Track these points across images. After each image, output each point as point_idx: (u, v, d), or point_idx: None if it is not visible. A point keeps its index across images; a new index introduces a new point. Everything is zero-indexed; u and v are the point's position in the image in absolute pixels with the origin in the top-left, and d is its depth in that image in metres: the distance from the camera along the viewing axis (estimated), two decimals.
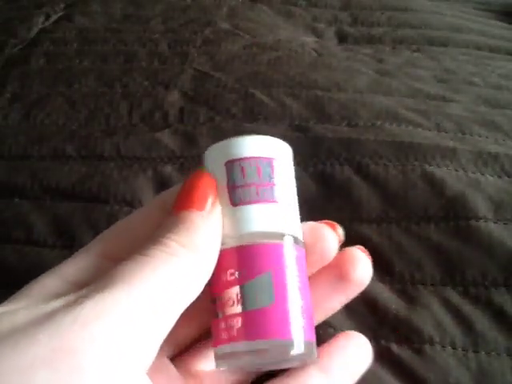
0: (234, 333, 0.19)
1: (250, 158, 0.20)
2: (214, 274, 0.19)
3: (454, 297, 0.25)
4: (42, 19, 0.50)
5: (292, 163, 0.22)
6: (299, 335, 0.19)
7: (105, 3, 0.53)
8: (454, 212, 0.27)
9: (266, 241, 0.20)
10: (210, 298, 0.20)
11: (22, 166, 0.32)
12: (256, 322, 0.19)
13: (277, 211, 0.20)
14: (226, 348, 0.19)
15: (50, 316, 0.16)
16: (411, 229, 0.27)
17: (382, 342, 0.24)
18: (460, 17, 0.52)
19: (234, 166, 0.20)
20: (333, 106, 0.35)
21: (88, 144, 0.33)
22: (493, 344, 0.23)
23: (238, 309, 0.19)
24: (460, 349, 0.23)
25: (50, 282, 0.18)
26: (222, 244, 0.20)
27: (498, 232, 0.26)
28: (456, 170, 0.29)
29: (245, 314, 0.19)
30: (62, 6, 0.53)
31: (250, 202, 0.20)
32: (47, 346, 0.15)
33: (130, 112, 0.36)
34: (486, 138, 0.32)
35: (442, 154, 0.30)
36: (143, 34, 0.47)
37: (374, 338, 0.24)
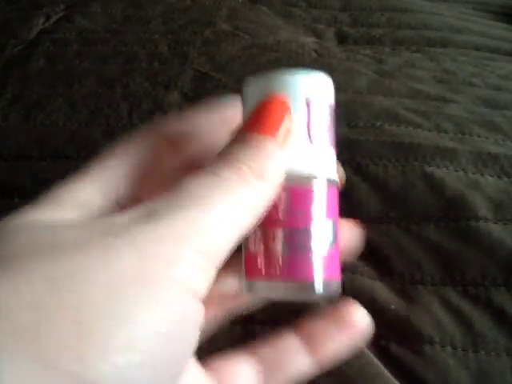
0: (276, 271, 0.19)
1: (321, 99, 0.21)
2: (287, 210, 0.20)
3: (454, 297, 0.25)
4: (42, 20, 0.51)
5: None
6: (335, 276, 0.20)
7: (105, 4, 0.53)
8: (453, 212, 0.27)
9: (320, 185, 0.20)
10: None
11: (22, 166, 0.32)
12: (297, 265, 0.19)
13: (329, 156, 0.21)
14: (261, 284, 0.20)
15: (126, 229, 0.15)
16: (411, 229, 0.27)
17: (382, 342, 0.24)
18: (460, 18, 0.52)
19: (309, 106, 0.20)
20: None
21: (88, 145, 0.33)
22: (493, 344, 0.23)
23: (282, 249, 0.19)
24: (460, 349, 0.23)
25: (82, 189, 0.19)
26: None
27: (497, 232, 0.26)
28: (456, 171, 0.29)
29: (288, 255, 0.19)
30: (62, 6, 0.53)
31: (324, 144, 0.20)
32: (134, 263, 0.14)
33: (130, 113, 0.36)
34: (486, 138, 0.32)
35: (442, 155, 0.30)
36: (143, 35, 0.47)
37: (374, 338, 0.24)
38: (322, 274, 0.20)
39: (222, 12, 0.51)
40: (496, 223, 0.27)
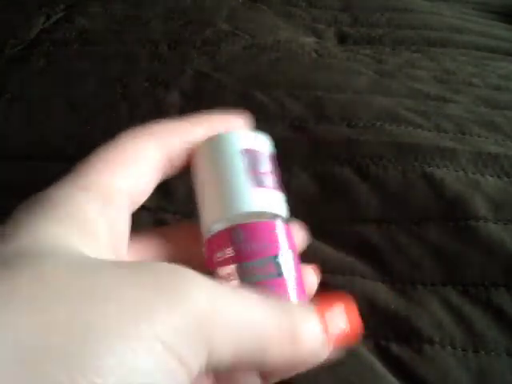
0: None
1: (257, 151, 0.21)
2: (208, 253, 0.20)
3: (454, 297, 0.25)
4: (42, 20, 0.51)
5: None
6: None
7: (105, 4, 0.53)
8: (453, 212, 0.27)
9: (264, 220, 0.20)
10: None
11: (22, 166, 0.32)
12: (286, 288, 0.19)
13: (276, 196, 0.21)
14: None
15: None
16: (411, 229, 0.27)
17: (382, 341, 0.24)
18: (460, 18, 0.52)
19: (250, 156, 0.20)
20: (333, 106, 0.35)
21: (88, 145, 0.33)
22: (493, 344, 0.23)
23: (279, 275, 0.19)
24: (460, 349, 0.23)
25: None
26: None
27: (497, 232, 0.26)
28: (456, 171, 0.29)
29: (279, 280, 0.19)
30: (63, 6, 0.53)
31: (266, 187, 0.20)
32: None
33: (130, 113, 0.36)
34: (486, 138, 0.32)
35: (442, 155, 0.30)
36: (143, 35, 0.47)
37: (374, 338, 0.24)
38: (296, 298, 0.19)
39: (222, 12, 0.51)
40: (496, 223, 0.27)
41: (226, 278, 0.19)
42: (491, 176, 0.29)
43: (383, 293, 0.25)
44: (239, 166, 0.20)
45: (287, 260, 0.19)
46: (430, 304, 0.25)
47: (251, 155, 0.20)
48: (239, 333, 0.15)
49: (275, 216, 0.20)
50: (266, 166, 0.21)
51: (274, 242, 0.19)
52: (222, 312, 0.15)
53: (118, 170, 0.19)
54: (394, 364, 0.23)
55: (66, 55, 0.44)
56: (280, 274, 0.19)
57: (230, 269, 0.19)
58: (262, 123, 0.34)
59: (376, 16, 0.51)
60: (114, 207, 0.18)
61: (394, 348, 0.24)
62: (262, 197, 0.20)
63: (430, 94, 0.37)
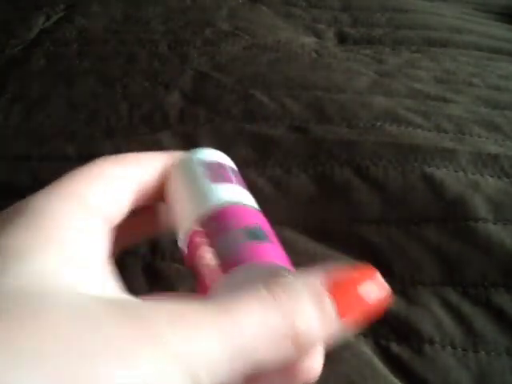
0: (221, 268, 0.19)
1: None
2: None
3: (454, 297, 0.25)
4: (42, 20, 0.51)
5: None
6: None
7: (105, 4, 0.53)
8: (453, 213, 0.27)
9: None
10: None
11: (22, 166, 0.32)
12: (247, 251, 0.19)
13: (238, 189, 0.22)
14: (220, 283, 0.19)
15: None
16: (411, 230, 0.27)
17: (382, 341, 0.24)
18: (460, 18, 0.52)
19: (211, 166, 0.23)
20: (332, 106, 0.35)
21: (88, 145, 0.33)
22: (493, 344, 0.23)
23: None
24: (460, 349, 0.23)
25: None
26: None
27: (497, 233, 0.26)
28: (456, 171, 0.29)
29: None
30: (63, 6, 0.53)
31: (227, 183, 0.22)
32: None
33: (130, 113, 0.36)
34: (486, 138, 0.32)
35: (442, 155, 0.30)
36: (143, 35, 0.47)
37: (374, 338, 0.24)
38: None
39: (222, 12, 0.51)
40: (496, 224, 0.27)
41: (206, 266, 0.19)
42: (491, 176, 0.29)
43: None
44: (202, 173, 0.22)
45: (258, 230, 0.20)
46: (430, 304, 0.25)
47: (212, 165, 0.23)
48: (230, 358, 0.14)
49: (239, 203, 0.21)
50: (227, 173, 0.23)
51: (241, 218, 0.20)
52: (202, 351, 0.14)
53: (95, 184, 0.20)
54: (394, 364, 0.23)
55: (66, 55, 0.44)
56: (254, 238, 0.19)
57: (208, 251, 0.19)
58: (262, 123, 0.35)
59: (376, 16, 0.51)
60: (96, 220, 0.19)
61: (394, 348, 0.24)
62: (224, 191, 0.21)
63: (430, 94, 0.37)
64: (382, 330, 0.24)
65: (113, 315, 0.14)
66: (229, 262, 0.19)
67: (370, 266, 0.18)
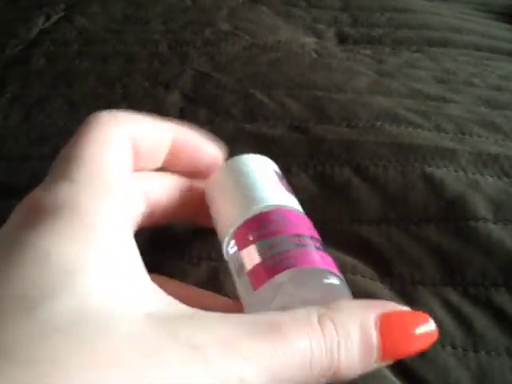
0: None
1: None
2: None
3: (454, 297, 0.25)
4: (42, 20, 0.51)
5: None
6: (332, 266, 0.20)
7: (105, 4, 0.53)
8: (453, 213, 0.27)
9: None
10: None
11: (22, 166, 0.32)
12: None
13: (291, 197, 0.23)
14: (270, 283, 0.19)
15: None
16: (411, 229, 0.27)
17: None
18: (460, 18, 0.52)
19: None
20: (332, 106, 0.35)
21: None
22: (493, 344, 0.23)
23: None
24: (460, 349, 0.23)
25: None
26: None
27: (497, 233, 0.26)
28: (456, 171, 0.29)
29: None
30: (63, 6, 0.53)
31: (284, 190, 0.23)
32: None
33: None
34: (486, 138, 0.32)
35: (442, 155, 0.30)
36: (143, 35, 0.47)
37: None
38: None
39: (222, 12, 0.51)
40: (496, 223, 0.27)
41: (247, 258, 0.20)
42: (491, 176, 0.29)
43: (384, 293, 0.25)
44: (251, 176, 0.23)
45: (304, 238, 0.20)
46: (430, 304, 0.25)
47: (260, 168, 0.24)
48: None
49: (289, 207, 0.22)
50: (275, 177, 0.24)
51: (290, 223, 0.21)
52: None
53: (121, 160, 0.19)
54: (394, 364, 0.23)
55: (66, 55, 0.44)
56: (299, 246, 0.20)
57: (251, 249, 0.20)
58: (262, 123, 0.35)
59: (376, 16, 0.51)
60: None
61: None
62: (275, 194, 0.22)
63: (430, 94, 0.37)
64: None
65: (166, 338, 0.14)
66: (277, 266, 0.19)
67: (423, 312, 0.18)
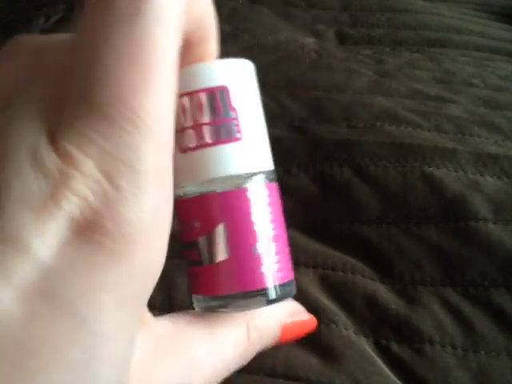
0: (203, 285, 0.18)
1: (194, 91, 0.17)
2: (182, 224, 0.18)
3: (454, 297, 0.25)
4: (42, 20, 0.51)
5: (255, 82, 0.20)
6: (271, 282, 0.18)
7: None
8: (453, 213, 0.27)
9: (227, 187, 0.17)
10: (181, 245, 0.19)
11: None
12: (219, 276, 0.17)
13: (239, 149, 0.18)
14: (199, 297, 0.18)
15: None
16: (411, 230, 0.27)
17: (382, 341, 0.24)
18: (460, 18, 0.52)
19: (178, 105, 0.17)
20: (332, 106, 0.35)
21: None
22: (493, 344, 0.23)
23: (203, 262, 0.18)
24: (460, 349, 0.23)
25: None
26: (184, 194, 0.18)
27: (497, 233, 0.26)
28: (456, 171, 0.29)
29: (207, 268, 0.17)
30: (63, 6, 0.53)
31: (203, 146, 0.17)
32: None
33: None
34: (486, 139, 0.32)
35: (442, 155, 0.30)
36: None
37: (374, 337, 0.24)
38: (274, 277, 0.18)
39: (222, 12, 0.51)
40: (496, 224, 0.27)
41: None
42: (491, 176, 0.29)
43: (384, 293, 0.25)
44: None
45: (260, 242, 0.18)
46: (431, 304, 0.25)
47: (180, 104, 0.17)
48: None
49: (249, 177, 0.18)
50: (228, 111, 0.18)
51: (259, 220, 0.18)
52: None
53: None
54: (394, 364, 0.23)
55: None
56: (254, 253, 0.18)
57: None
58: None
59: (376, 16, 0.51)
60: None
61: (395, 348, 0.24)
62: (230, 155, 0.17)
63: (430, 95, 0.37)
64: (382, 330, 0.24)
65: None
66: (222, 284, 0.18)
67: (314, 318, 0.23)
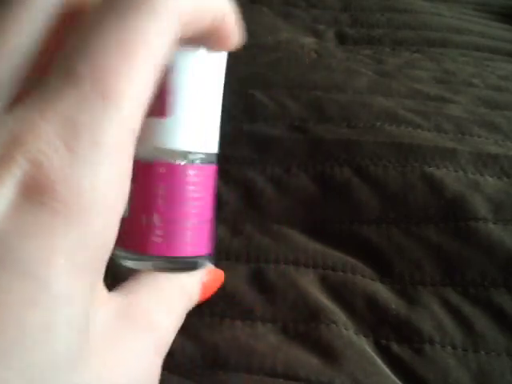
0: (124, 241, 0.18)
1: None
2: None
3: (454, 297, 0.25)
4: None
5: (216, 61, 0.21)
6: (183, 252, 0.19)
7: None
8: (453, 213, 0.27)
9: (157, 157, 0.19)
10: None
11: None
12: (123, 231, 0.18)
13: (169, 126, 0.19)
14: (121, 252, 0.19)
15: None
16: (411, 230, 0.27)
17: (383, 341, 0.24)
18: (460, 18, 0.52)
19: None
20: (332, 106, 0.35)
21: None
22: (493, 344, 0.23)
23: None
24: (460, 349, 0.23)
25: None
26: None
27: (497, 233, 0.26)
28: (455, 171, 0.29)
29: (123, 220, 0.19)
30: None
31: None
32: None
33: None
34: (486, 139, 0.32)
35: (442, 155, 0.30)
36: None
37: (375, 337, 0.24)
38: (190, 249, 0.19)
39: None
40: (496, 224, 0.27)
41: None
42: (491, 176, 0.29)
43: (384, 293, 0.25)
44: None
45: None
46: (431, 304, 0.25)
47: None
48: None
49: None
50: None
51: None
52: None
53: None
54: (395, 364, 0.23)
55: None
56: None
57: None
58: (261, 123, 0.35)
59: (376, 16, 0.51)
60: None
61: (395, 348, 0.24)
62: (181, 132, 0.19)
63: (430, 95, 0.37)
64: (383, 329, 0.24)
65: None
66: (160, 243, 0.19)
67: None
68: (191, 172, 0.19)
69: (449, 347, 0.23)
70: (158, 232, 0.19)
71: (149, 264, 0.19)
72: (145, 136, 0.17)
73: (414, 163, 0.29)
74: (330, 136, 0.32)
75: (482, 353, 0.23)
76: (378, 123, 0.33)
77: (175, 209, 0.19)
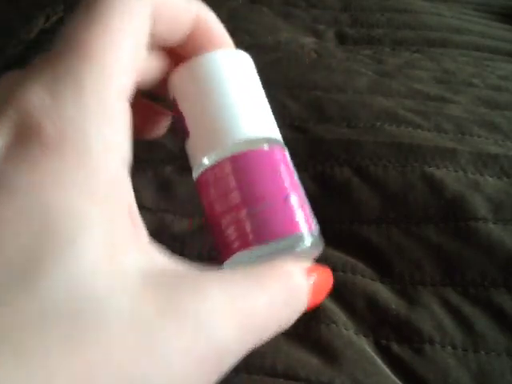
0: (245, 239, 0.19)
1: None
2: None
3: (454, 297, 0.25)
4: (42, 20, 0.51)
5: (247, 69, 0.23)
6: (306, 228, 0.20)
7: None
8: (453, 213, 0.27)
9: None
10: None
11: None
12: (263, 225, 0.19)
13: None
14: (238, 256, 0.19)
15: None
16: (411, 230, 0.27)
17: (383, 341, 0.24)
18: (460, 18, 0.52)
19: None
20: (332, 106, 0.35)
21: None
22: (493, 344, 0.23)
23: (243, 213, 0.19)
24: (460, 349, 0.23)
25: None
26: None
27: (497, 233, 0.26)
28: (455, 171, 0.29)
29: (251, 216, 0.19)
30: (63, 6, 0.53)
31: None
32: None
33: None
34: (486, 139, 0.32)
35: (442, 155, 0.30)
36: None
37: (375, 337, 0.24)
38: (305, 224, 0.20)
39: (222, 12, 0.51)
40: (496, 224, 0.27)
41: (231, 225, 0.19)
42: (491, 176, 0.29)
43: (384, 293, 0.25)
44: (228, 88, 0.20)
45: (294, 197, 0.20)
46: (430, 304, 0.25)
47: (238, 74, 0.21)
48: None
49: (268, 141, 0.20)
50: (255, 86, 0.21)
51: (278, 178, 0.20)
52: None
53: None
54: (395, 364, 0.23)
55: None
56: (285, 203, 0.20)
57: (238, 215, 0.19)
58: None
59: (376, 16, 0.51)
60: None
61: (395, 348, 0.24)
62: (259, 122, 0.20)
63: (430, 95, 0.37)
64: (383, 330, 0.24)
65: (170, 314, 0.15)
66: (255, 233, 0.19)
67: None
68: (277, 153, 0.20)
69: (449, 347, 0.23)
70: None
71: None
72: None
73: (414, 163, 0.29)
74: (330, 136, 0.32)
75: (482, 353, 0.23)
76: (378, 123, 0.33)
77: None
